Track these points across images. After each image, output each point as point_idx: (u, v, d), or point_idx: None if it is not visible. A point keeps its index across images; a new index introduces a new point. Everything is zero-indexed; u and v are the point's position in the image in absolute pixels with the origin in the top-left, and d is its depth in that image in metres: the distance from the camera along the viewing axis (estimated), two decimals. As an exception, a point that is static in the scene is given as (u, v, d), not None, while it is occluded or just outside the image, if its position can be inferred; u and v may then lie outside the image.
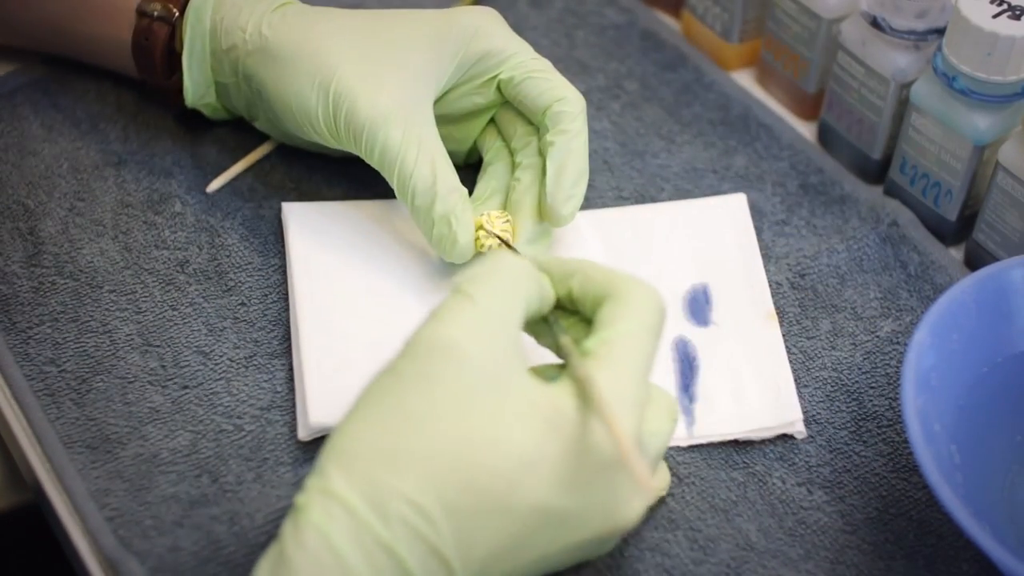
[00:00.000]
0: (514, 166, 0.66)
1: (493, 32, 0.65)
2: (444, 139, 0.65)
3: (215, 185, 0.69)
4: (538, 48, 0.78)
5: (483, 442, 0.48)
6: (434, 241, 0.62)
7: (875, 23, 0.68)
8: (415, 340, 0.49)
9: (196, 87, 0.68)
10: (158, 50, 0.68)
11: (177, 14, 0.67)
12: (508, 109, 0.67)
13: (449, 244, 0.62)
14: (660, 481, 0.57)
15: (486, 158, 0.68)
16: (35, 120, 0.72)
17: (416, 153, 0.62)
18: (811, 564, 0.56)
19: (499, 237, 0.62)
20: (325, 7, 0.66)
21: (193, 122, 0.72)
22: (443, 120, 0.66)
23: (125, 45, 0.69)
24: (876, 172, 0.73)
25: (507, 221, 0.63)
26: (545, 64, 0.65)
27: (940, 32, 0.67)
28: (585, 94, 0.75)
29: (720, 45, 0.79)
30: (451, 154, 0.64)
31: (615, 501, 0.50)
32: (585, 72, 0.77)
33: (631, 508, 0.50)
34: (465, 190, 0.63)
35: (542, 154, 0.65)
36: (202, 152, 0.70)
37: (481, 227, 0.63)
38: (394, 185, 0.63)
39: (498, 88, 0.66)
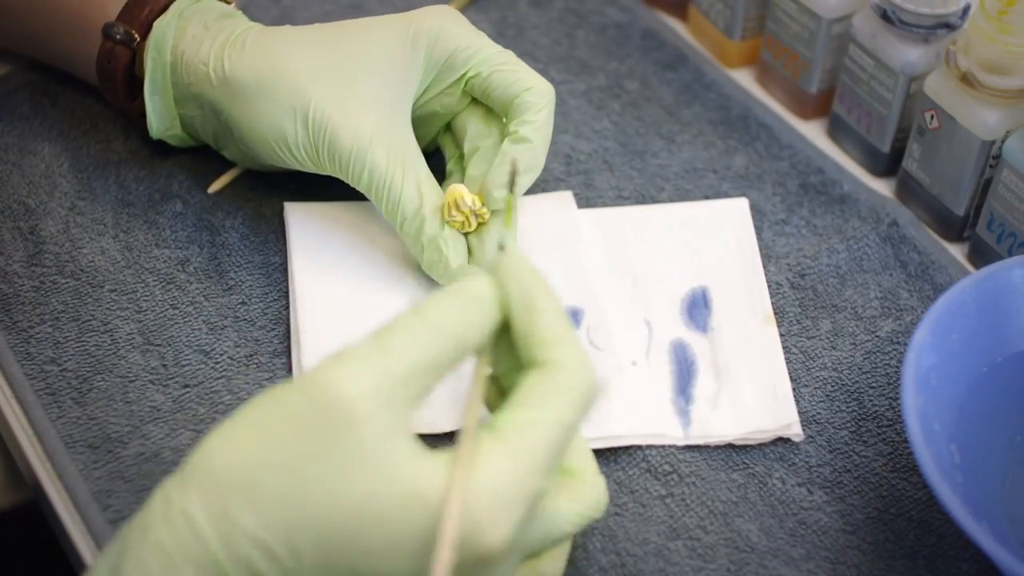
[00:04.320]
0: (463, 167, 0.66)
1: (455, 31, 0.64)
2: None
3: (215, 187, 0.69)
4: (538, 48, 0.79)
5: (346, 507, 0.45)
6: (426, 265, 0.63)
7: (885, 16, 0.68)
8: (320, 381, 0.46)
9: (160, 120, 0.67)
10: (119, 74, 0.66)
11: (139, 38, 0.66)
12: (465, 112, 0.66)
13: (441, 269, 0.62)
14: (552, 568, 0.52)
15: (449, 166, 0.67)
16: (35, 120, 0.72)
17: (402, 177, 0.62)
18: (812, 564, 0.56)
19: (473, 212, 0.62)
20: (282, 27, 0.65)
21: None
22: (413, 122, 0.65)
23: (93, 64, 0.68)
24: (884, 165, 0.73)
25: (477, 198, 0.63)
26: (510, 56, 0.65)
27: (949, 26, 0.67)
28: (585, 93, 0.76)
29: (723, 42, 0.79)
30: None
31: None
32: (585, 71, 0.77)
33: None
34: None
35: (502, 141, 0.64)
36: (203, 151, 0.70)
37: (454, 203, 0.62)
38: (382, 208, 0.62)
39: (465, 88, 0.65)
